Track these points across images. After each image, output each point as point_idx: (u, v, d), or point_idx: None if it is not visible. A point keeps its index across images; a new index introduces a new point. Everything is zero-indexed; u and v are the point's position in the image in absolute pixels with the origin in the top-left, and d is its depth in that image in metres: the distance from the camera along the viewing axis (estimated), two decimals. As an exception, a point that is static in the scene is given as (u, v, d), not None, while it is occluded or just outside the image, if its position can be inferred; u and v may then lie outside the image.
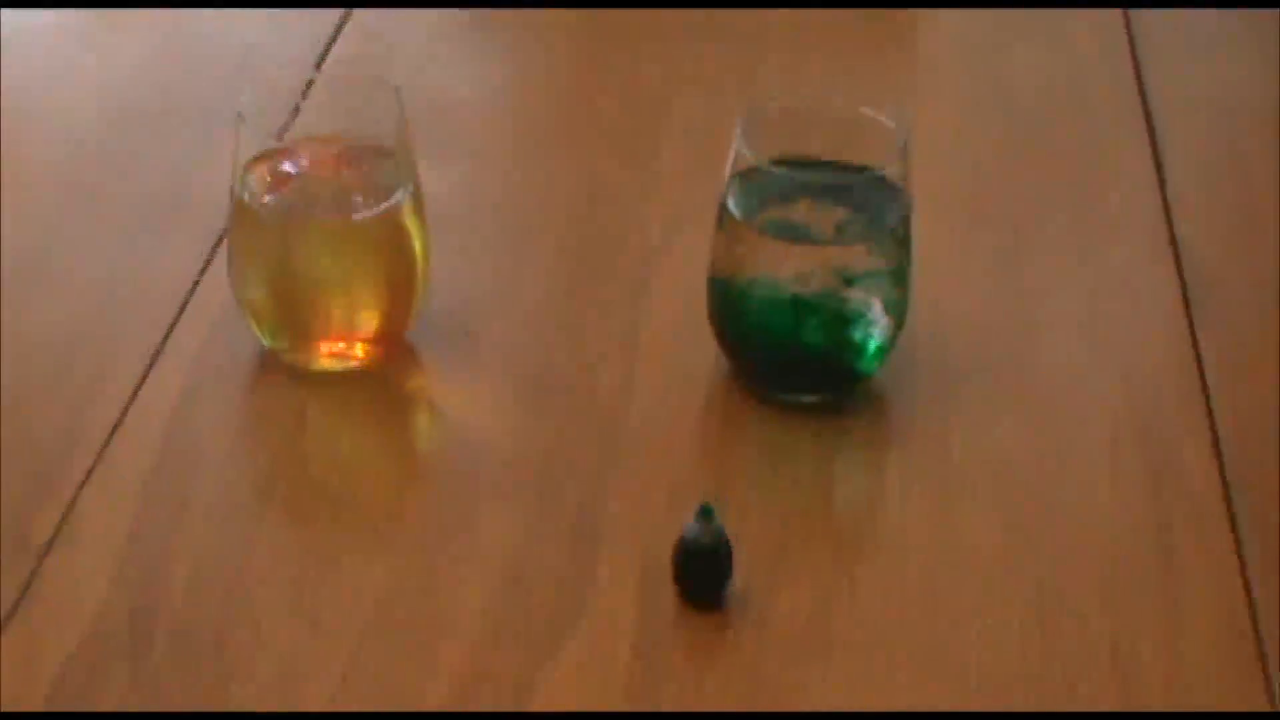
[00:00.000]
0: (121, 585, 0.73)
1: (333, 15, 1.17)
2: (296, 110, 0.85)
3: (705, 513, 0.71)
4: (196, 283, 0.90)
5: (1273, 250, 0.97)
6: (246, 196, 0.80)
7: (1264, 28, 1.23)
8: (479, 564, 0.74)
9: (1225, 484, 0.80)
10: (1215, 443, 0.82)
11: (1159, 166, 1.04)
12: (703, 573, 0.72)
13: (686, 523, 0.71)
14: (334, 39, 1.14)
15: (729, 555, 0.71)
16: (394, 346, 0.86)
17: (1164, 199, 1.01)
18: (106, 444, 0.80)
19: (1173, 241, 0.97)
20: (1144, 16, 1.21)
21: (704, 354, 0.85)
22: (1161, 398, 0.86)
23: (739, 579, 0.73)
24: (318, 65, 1.10)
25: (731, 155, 0.80)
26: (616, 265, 0.94)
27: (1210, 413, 0.84)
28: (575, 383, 0.85)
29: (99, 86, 1.10)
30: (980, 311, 0.91)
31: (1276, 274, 0.95)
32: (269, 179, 0.82)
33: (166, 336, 0.86)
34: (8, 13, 1.14)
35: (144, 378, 0.84)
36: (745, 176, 0.80)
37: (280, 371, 0.85)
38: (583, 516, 0.77)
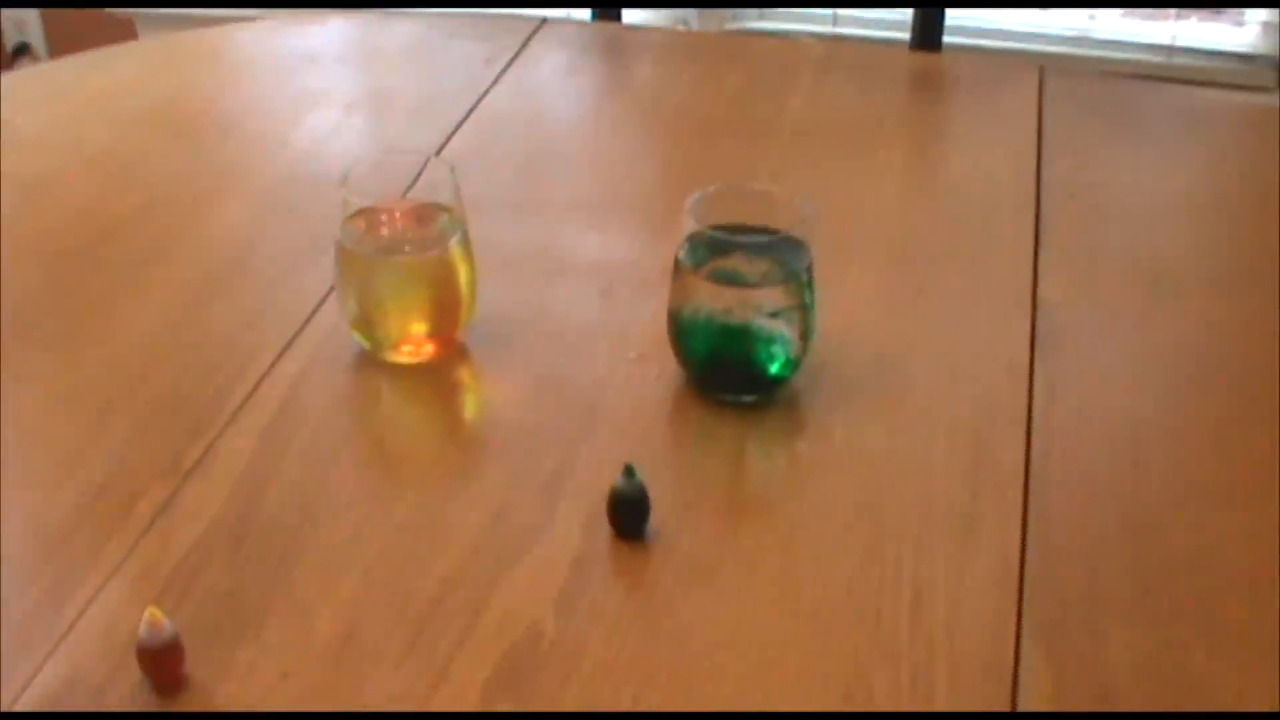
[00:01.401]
0: (232, 501, 0.88)
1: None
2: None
3: (628, 471, 0.84)
4: (322, 300, 1.04)
5: (1111, 311, 1.06)
6: (345, 242, 0.95)
7: (1166, 126, 1.32)
8: (477, 501, 0.88)
9: (1026, 473, 0.90)
10: (1027, 447, 0.92)
11: (1037, 240, 1.13)
12: (626, 515, 0.84)
13: (617, 478, 0.84)
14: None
15: (646, 503, 0.84)
16: (449, 348, 1.00)
17: (1035, 267, 1.10)
18: (242, 405, 0.95)
19: (1034, 297, 1.06)
20: (1053, 116, 1.30)
21: (674, 365, 0.97)
22: (995, 412, 0.95)
23: (657, 521, 0.85)
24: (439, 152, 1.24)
25: (684, 224, 0.93)
26: (620, 299, 1.06)
27: (1029, 421, 0.94)
28: (573, 380, 0.98)
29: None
30: (873, 339, 1.02)
31: (1110, 328, 1.04)
32: (362, 228, 0.97)
33: (296, 334, 1.01)
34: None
35: (276, 360, 0.99)
36: (693, 238, 0.93)
37: (370, 363, 0.99)
38: (555, 475, 0.90)
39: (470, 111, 1.32)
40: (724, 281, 0.93)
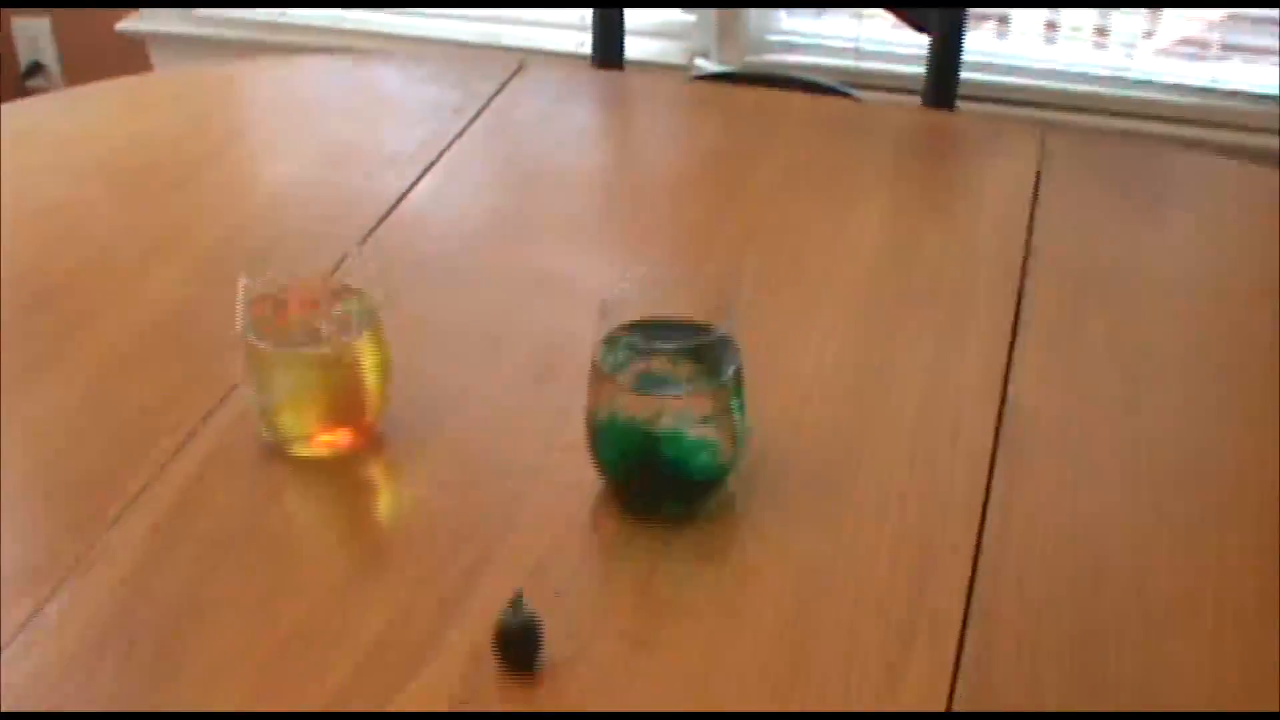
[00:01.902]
0: (113, 601, 0.83)
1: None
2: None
3: (516, 602, 0.78)
4: (236, 384, 0.98)
5: (1086, 400, 0.99)
6: (245, 333, 0.90)
7: (1170, 195, 1.23)
8: (370, 612, 0.82)
9: (971, 584, 0.83)
10: (975, 554, 0.86)
11: (1016, 318, 1.06)
12: (513, 650, 0.79)
13: (503, 609, 0.78)
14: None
15: (535, 636, 0.78)
16: (362, 439, 0.94)
17: (1010, 347, 1.03)
18: (138, 495, 0.90)
19: (1005, 381, 0.99)
20: (1051, 181, 1.22)
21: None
22: (948, 511, 0.89)
23: (554, 650, 0.79)
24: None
25: (599, 324, 0.86)
26: (559, 382, 0.99)
27: (982, 523, 0.87)
28: (493, 477, 0.92)
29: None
30: (824, 425, 0.96)
31: (1082, 419, 0.97)
32: (267, 314, 0.91)
33: (206, 418, 0.96)
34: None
35: (182, 446, 0.94)
36: (611, 341, 0.86)
37: (277, 456, 0.94)
38: (455, 589, 0.84)
39: (432, 164, 1.27)
40: (646, 388, 0.87)
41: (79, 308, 1.09)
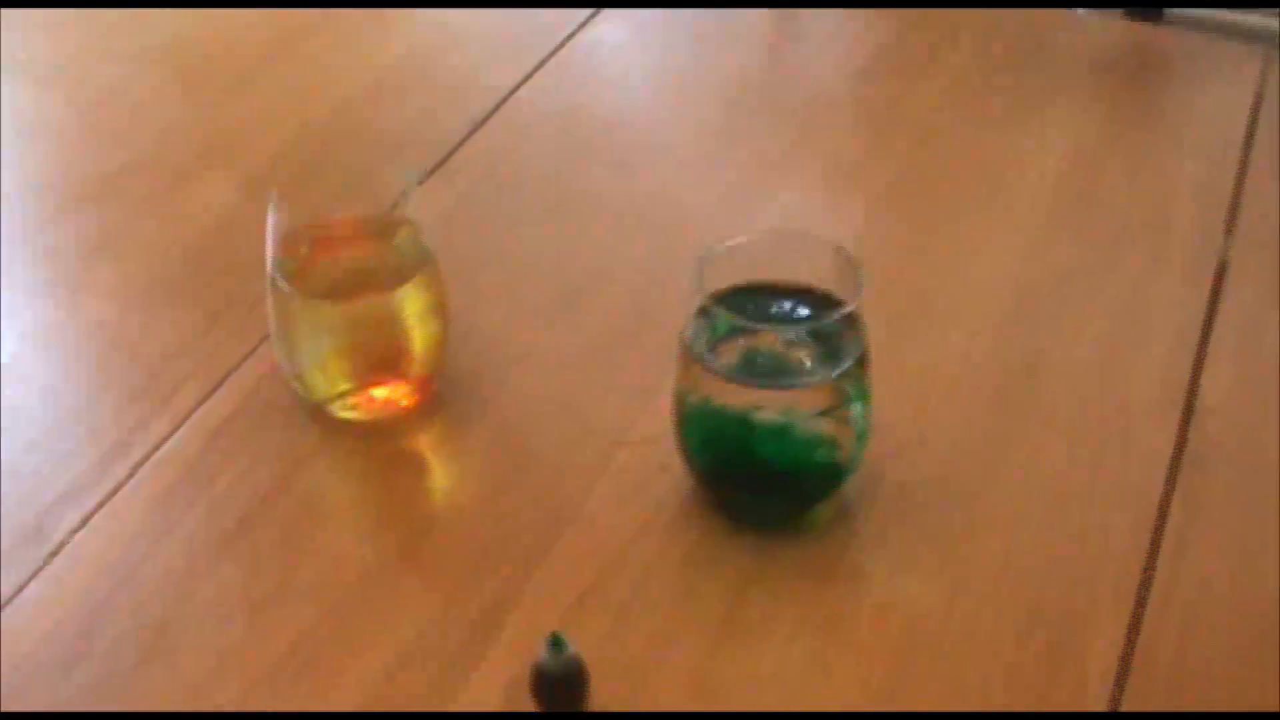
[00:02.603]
0: (88, 596, 0.70)
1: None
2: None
3: (556, 643, 0.63)
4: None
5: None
6: (275, 276, 0.75)
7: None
8: (389, 629, 0.68)
9: (1119, 691, 0.66)
10: (1132, 627, 0.68)
11: (1211, 310, 0.87)
12: (551, 696, 0.64)
13: (540, 652, 0.63)
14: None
15: (579, 682, 0.64)
16: (410, 404, 0.79)
17: (1200, 350, 0.84)
18: (141, 462, 0.77)
19: (1190, 397, 0.81)
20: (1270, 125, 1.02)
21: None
22: (1099, 568, 0.71)
23: (606, 692, 0.64)
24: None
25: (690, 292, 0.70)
26: (638, 347, 0.84)
27: (1144, 585, 0.70)
28: (554, 463, 0.77)
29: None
30: (959, 448, 0.78)
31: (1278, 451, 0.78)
32: (302, 254, 0.76)
33: (232, 370, 0.82)
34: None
35: (200, 403, 0.80)
36: (704, 313, 0.70)
37: (311, 417, 0.79)
38: (494, 606, 0.69)
39: (544, 62, 1.11)
40: (746, 376, 0.70)
41: (113, 218, 0.96)
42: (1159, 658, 0.67)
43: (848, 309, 0.69)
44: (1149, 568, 0.71)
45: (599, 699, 0.64)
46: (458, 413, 0.80)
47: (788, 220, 0.95)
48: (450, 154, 1.01)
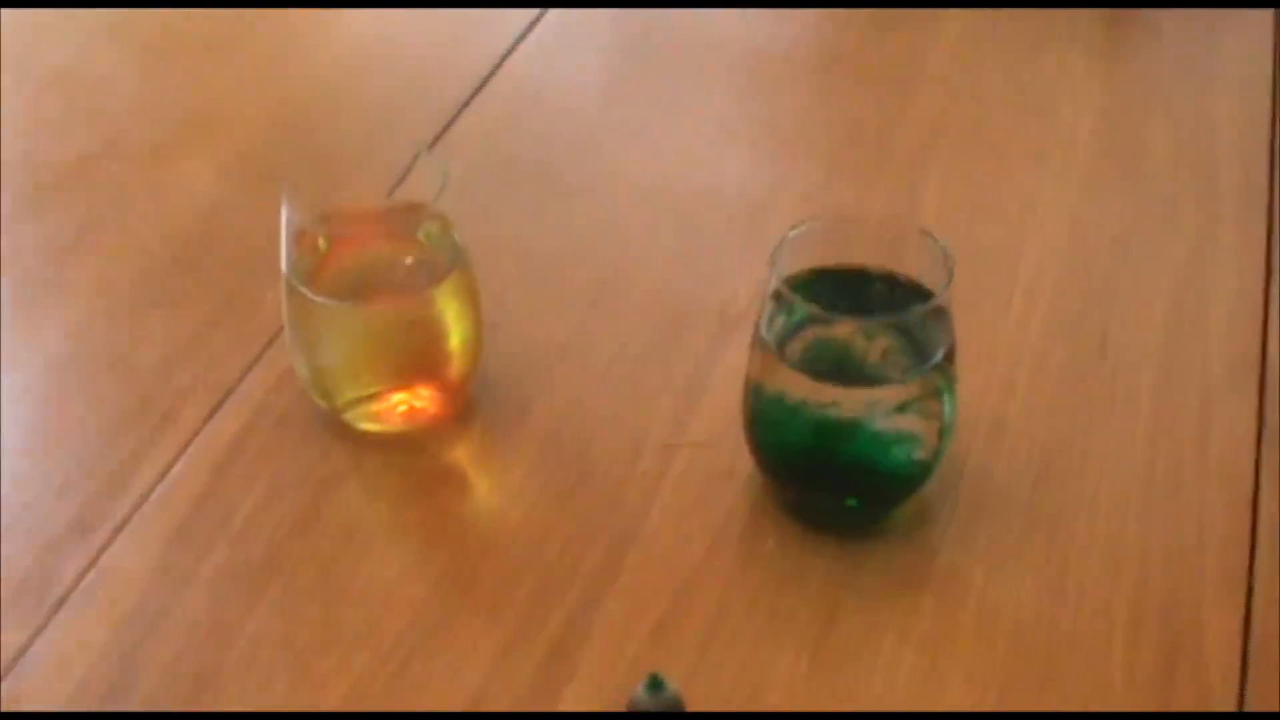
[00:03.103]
0: (103, 661, 0.62)
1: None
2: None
3: (654, 685, 0.56)
4: (275, 336, 0.77)
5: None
6: (292, 278, 0.67)
7: None
8: (445, 684, 0.61)
9: (1243, 683, 0.61)
10: (1245, 630, 0.63)
11: (1268, 276, 0.81)
12: (649, 741, 0.57)
13: (635, 691, 0.57)
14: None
15: (679, 723, 0.57)
16: (442, 414, 0.72)
17: (1265, 315, 0.79)
18: (146, 496, 0.69)
19: (1263, 359, 0.75)
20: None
21: (746, 455, 0.69)
22: (1202, 573, 0.65)
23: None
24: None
25: (768, 276, 0.63)
26: (690, 339, 0.78)
27: (1250, 593, 0.64)
28: (609, 472, 0.70)
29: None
30: (1041, 435, 0.72)
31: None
32: (320, 249, 0.68)
33: (239, 381, 0.75)
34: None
35: (205, 422, 0.72)
36: (780, 299, 0.63)
37: (330, 431, 0.72)
38: (561, 642, 0.62)
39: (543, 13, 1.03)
40: (825, 370, 0.64)
41: (84, 211, 0.87)
42: (1274, 651, 0.62)
43: (937, 300, 0.63)
44: (1252, 555, 0.66)
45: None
46: (495, 420, 0.73)
47: (820, 196, 0.88)
48: (446, 129, 0.93)
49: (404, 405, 0.71)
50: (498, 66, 0.99)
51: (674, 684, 0.57)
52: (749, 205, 0.87)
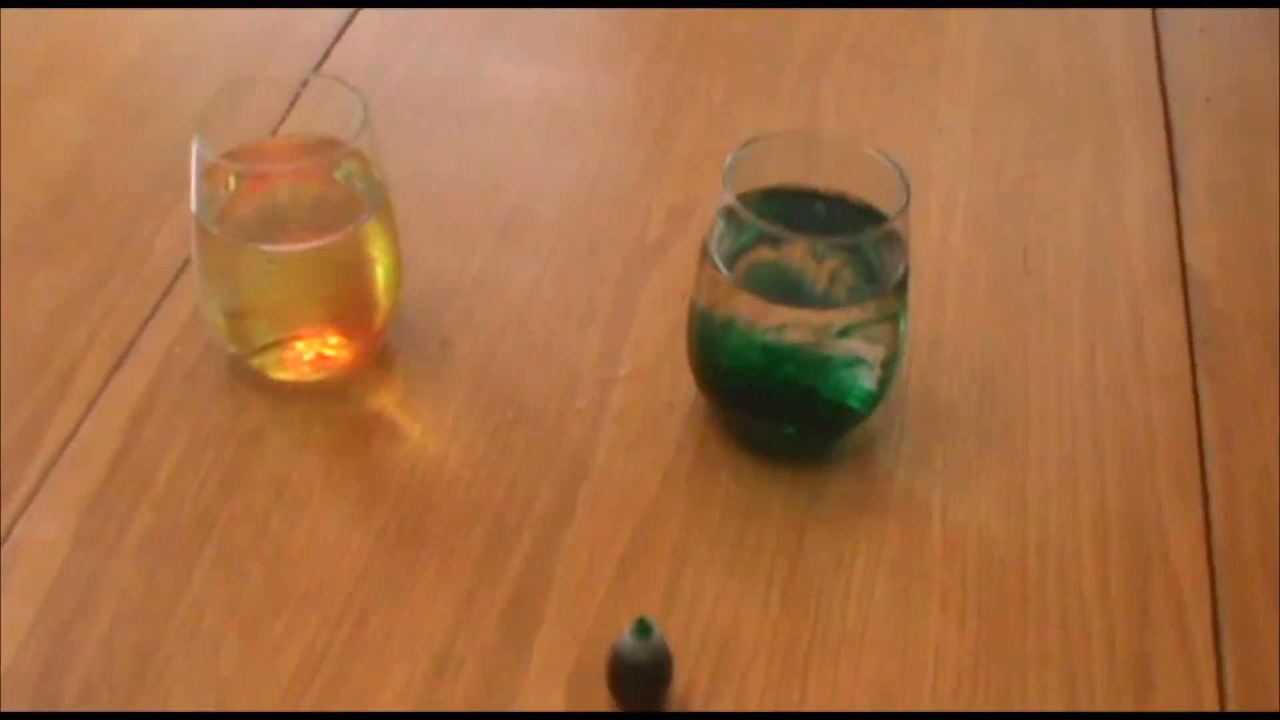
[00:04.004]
0: (33, 640, 0.57)
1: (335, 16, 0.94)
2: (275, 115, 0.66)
3: (642, 629, 0.54)
4: (181, 268, 0.72)
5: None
6: (203, 219, 0.62)
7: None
8: (407, 640, 0.57)
9: (1213, 580, 0.61)
10: (1206, 530, 0.63)
11: (1174, 181, 0.82)
12: (637, 687, 0.55)
13: (622, 636, 0.54)
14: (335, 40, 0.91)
15: (666, 670, 0.55)
16: (361, 357, 0.68)
17: (1177, 218, 0.79)
18: (56, 458, 0.64)
19: (1182, 267, 0.76)
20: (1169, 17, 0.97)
21: (687, 379, 0.67)
22: (1155, 473, 0.65)
23: (681, 680, 0.56)
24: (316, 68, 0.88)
25: (720, 191, 0.61)
26: (608, 267, 0.75)
27: (1205, 498, 0.64)
28: (546, 408, 0.67)
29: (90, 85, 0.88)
30: (979, 350, 0.71)
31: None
32: (230, 188, 0.64)
33: (144, 324, 0.70)
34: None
35: (111, 374, 0.67)
36: (730, 216, 0.61)
37: (244, 379, 0.67)
38: (526, 586, 0.59)
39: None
40: (776, 292, 0.62)
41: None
42: (1240, 555, 0.62)
43: (894, 222, 0.61)
44: (1202, 458, 0.66)
45: (678, 688, 0.56)
46: (417, 361, 0.69)
47: (720, 118, 0.86)
48: (324, 58, 0.88)
49: (311, 352, 0.67)
50: (372, -7, 0.94)
51: (660, 633, 0.54)
52: (653, 128, 0.84)
